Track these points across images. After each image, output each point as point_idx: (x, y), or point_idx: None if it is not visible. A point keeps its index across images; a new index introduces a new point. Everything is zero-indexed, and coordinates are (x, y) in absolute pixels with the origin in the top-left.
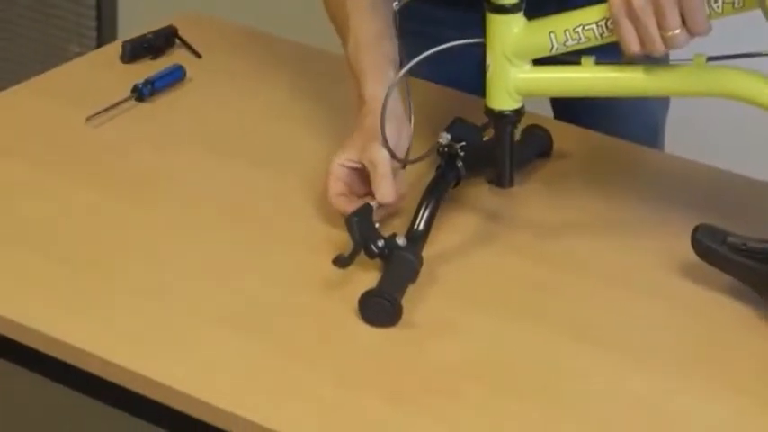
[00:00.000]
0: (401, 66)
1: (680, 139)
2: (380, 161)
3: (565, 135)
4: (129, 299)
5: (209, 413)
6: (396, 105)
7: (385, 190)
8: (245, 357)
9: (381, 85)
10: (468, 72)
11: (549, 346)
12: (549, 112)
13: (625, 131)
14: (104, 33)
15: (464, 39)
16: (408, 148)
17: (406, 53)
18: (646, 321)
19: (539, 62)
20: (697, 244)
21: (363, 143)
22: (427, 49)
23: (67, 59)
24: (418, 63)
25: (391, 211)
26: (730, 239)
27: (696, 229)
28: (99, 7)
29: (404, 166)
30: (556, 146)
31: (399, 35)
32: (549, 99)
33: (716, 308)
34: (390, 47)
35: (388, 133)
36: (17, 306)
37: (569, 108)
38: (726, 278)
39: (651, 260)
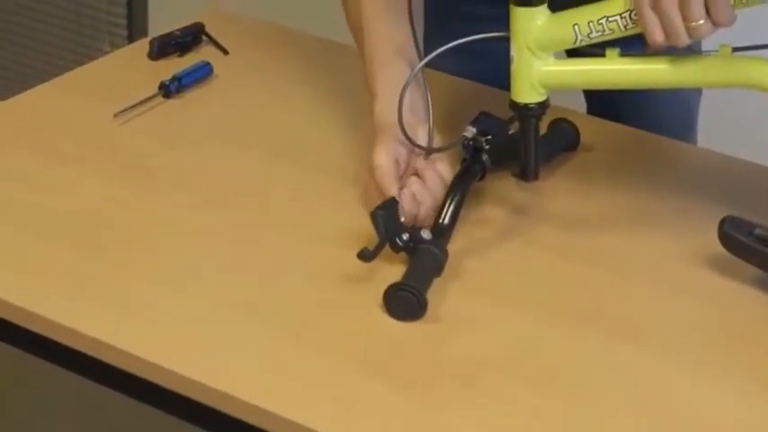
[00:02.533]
0: (421, 57)
1: (710, 131)
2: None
3: (591, 128)
4: (154, 291)
5: (230, 404)
6: (413, 102)
7: (389, 188)
8: (268, 350)
9: (389, 102)
10: (495, 68)
11: (576, 341)
12: (580, 105)
13: (659, 116)
14: (135, 32)
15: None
16: (431, 138)
17: (431, 48)
18: (674, 315)
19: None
20: (724, 236)
21: (372, 164)
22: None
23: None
24: (446, 58)
25: (420, 216)
26: (757, 231)
27: (723, 221)
28: (130, 6)
29: (427, 155)
30: (582, 139)
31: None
32: (583, 92)
33: (745, 300)
34: (402, 59)
35: (400, 146)
36: (48, 300)
37: (603, 98)
38: (754, 270)
39: (679, 253)
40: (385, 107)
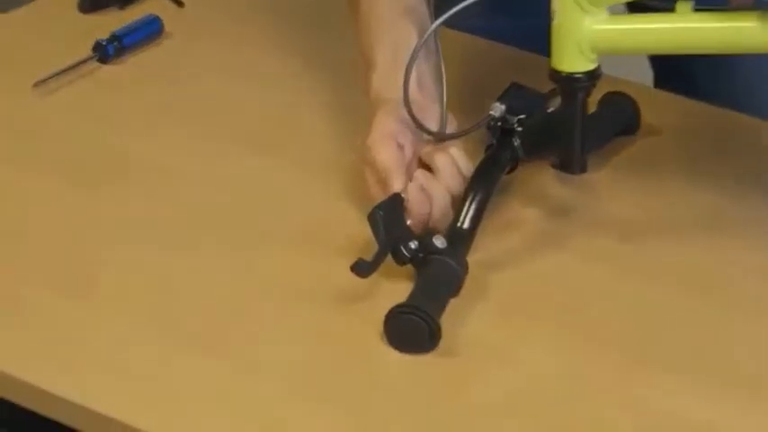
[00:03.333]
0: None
1: None
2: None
3: (657, 105)
4: (89, 316)
5: None
6: (420, 75)
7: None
8: (239, 392)
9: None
10: (533, 25)
11: (629, 381)
12: (641, 74)
13: (749, 90)
14: None
15: None
16: (444, 122)
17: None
18: (757, 349)
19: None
20: None
21: (367, 146)
22: None
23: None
24: (466, 12)
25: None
26: None
27: None
28: None
29: (438, 142)
30: (644, 119)
31: None
32: (649, 59)
33: None
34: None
35: (404, 122)
36: None
37: (676, 64)
38: None
39: None
40: (385, 80)
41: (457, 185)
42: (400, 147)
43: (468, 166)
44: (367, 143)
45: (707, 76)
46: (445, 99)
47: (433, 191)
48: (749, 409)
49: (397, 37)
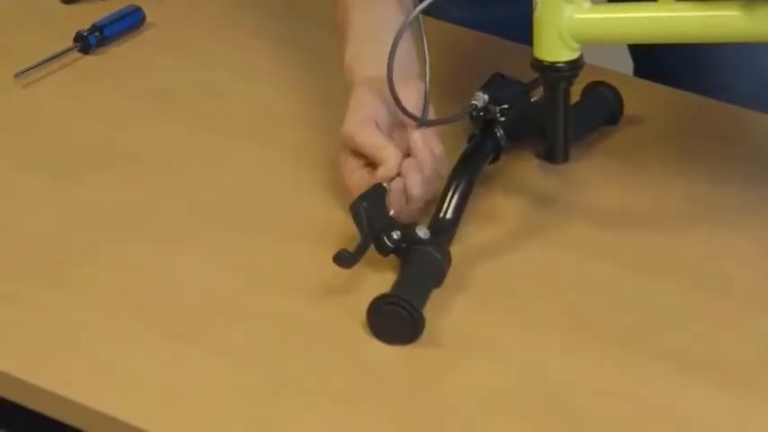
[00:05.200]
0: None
1: None
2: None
3: (639, 94)
4: (73, 308)
5: None
6: (403, 58)
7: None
8: (222, 383)
9: (368, 44)
10: (515, 15)
11: (614, 370)
12: (623, 65)
13: (729, 79)
14: None
15: None
16: (426, 105)
17: None
18: (745, 341)
19: None
20: None
21: (350, 129)
22: None
23: None
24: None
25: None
26: None
27: None
28: None
29: (420, 127)
30: (627, 109)
31: None
32: (628, 46)
33: None
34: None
35: (380, 104)
36: None
37: (655, 58)
38: None
39: (752, 259)
40: (357, 55)
41: (435, 172)
42: (379, 127)
43: (442, 155)
44: (345, 132)
45: (686, 67)
46: (428, 81)
47: (410, 175)
48: (742, 399)
49: (374, 11)
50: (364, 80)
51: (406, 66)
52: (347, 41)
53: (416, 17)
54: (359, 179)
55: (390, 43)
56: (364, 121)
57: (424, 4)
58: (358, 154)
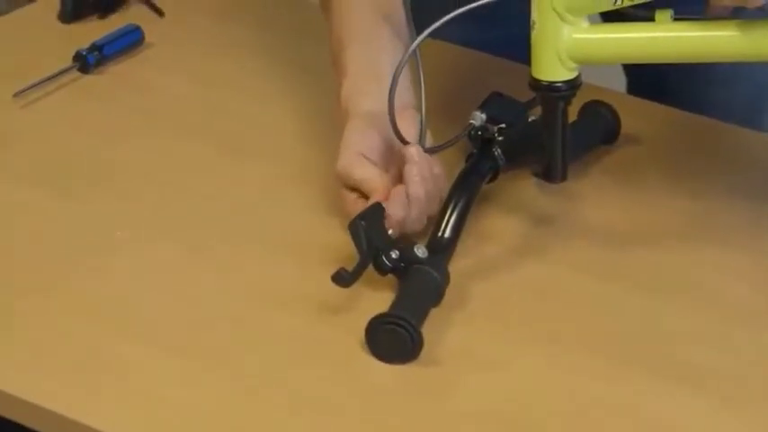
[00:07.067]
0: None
1: None
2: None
3: (636, 113)
4: (68, 322)
5: None
6: (398, 87)
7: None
8: (221, 400)
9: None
10: (513, 35)
11: (614, 387)
12: (618, 83)
13: (724, 98)
14: None
15: None
16: (423, 134)
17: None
18: (746, 361)
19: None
20: None
21: (344, 165)
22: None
23: None
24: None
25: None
26: None
27: None
28: None
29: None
30: (624, 127)
31: None
32: (622, 66)
33: None
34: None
35: (375, 138)
36: None
37: (648, 76)
38: None
39: (752, 276)
40: (354, 89)
41: (436, 191)
42: (370, 160)
43: (440, 168)
44: (338, 169)
45: (680, 84)
46: (424, 112)
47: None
48: (744, 416)
49: (371, 43)
50: (358, 114)
51: (401, 94)
52: (344, 75)
53: (414, 51)
54: (360, 210)
55: (386, 76)
56: (353, 159)
57: (420, 39)
58: (354, 188)
